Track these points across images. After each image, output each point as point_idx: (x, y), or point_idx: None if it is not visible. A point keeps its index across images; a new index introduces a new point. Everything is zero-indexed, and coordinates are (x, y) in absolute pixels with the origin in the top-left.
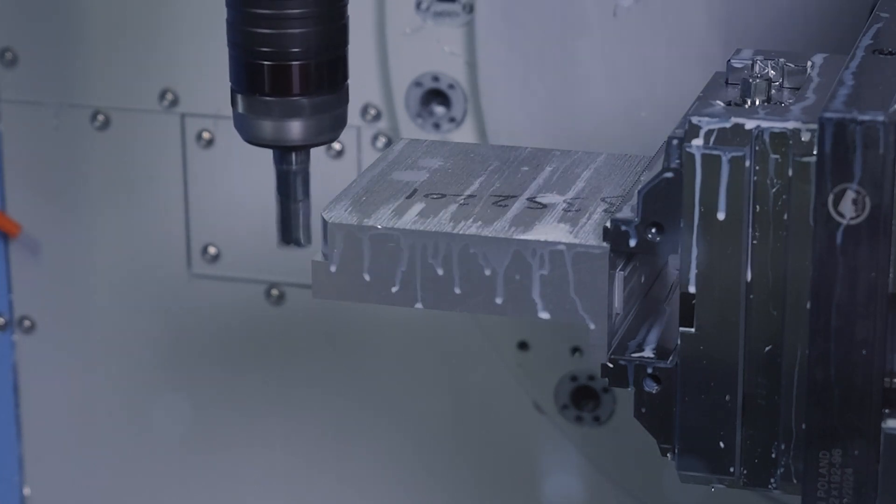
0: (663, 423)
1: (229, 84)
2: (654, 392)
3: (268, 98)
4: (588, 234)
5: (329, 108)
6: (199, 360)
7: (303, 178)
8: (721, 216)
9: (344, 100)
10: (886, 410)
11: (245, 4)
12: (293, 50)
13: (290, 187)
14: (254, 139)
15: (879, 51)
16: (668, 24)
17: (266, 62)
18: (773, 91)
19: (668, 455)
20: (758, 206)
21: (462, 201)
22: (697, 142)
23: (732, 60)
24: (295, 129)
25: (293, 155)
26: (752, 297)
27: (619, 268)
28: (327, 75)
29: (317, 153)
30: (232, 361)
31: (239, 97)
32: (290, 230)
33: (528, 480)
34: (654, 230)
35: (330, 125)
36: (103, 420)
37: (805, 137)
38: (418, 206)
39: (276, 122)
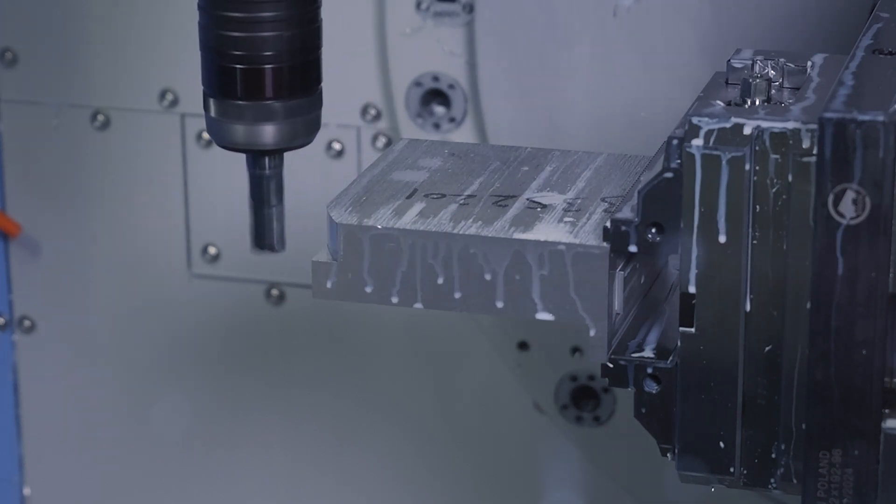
0: (663, 423)
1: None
2: (654, 392)
3: (240, 102)
4: (588, 234)
5: (302, 111)
6: (199, 360)
7: (276, 182)
8: (721, 216)
9: (317, 103)
10: (886, 410)
11: (217, 8)
12: (265, 53)
13: (264, 192)
14: (226, 143)
15: (879, 51)
16: (668, 24)
17: (238, 66)
18: (773, 91)
19: (668, 455)
20: (758, 206)
21: (462, 201)
22: (697, 142)
23: (732, 60)
24: (268, 133)
25: (266, 159)
26: (752, 297)
27: (619, 268)
28: (300, 79)
29: (317, 153)
30: (232, 361)
31: (211, 101)
32: (263, 235)
33: (528, 480)
34: (654, 230)
35: (304, 129)
36: (103, 420)
37: (805, 137)
38: (418, 206)
39: (249, 126)
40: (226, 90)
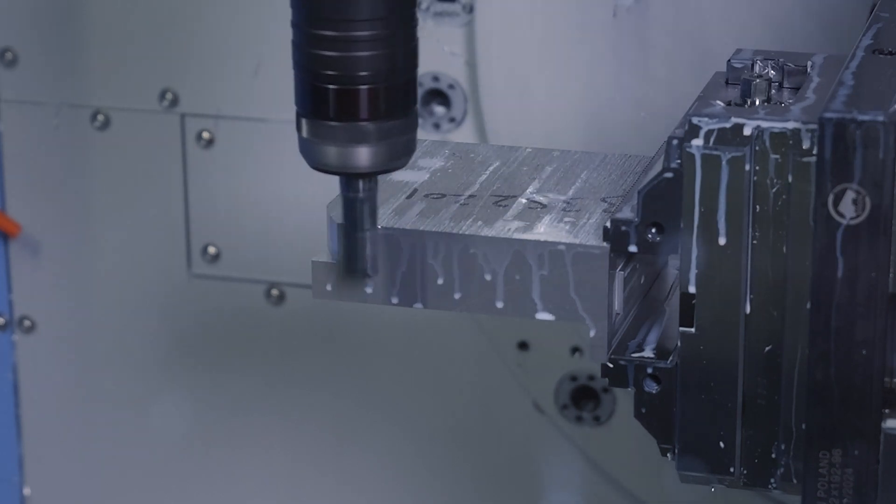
0: (663, 423)
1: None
2: (654, 392)
3: (333, 123)
4: (588, 234)
5: (398, 133)
6: (199, 360)
7: (370, 206)
8: (721, 216)
9: (413, 125)
10: (886, 410)
11: (311, 26)
12: (360, 74)
13: (357, 216)
14: (318, 165)
15: (879, 51)
16: (668, 24)
17: (332, 86)
18: (773, 91)
19: (668, 455)
20: (758, 206)
21: (462, 201)
22: (697, 142)
23: (732, 60)
24: (362, 155)
25: (360, 182)
26: (752, 297)
27: (619, 268)
28: (396, 100)
29: None
30: (232, 361)
31: (303, 121)
32: (356, 260)
33: (528, 480)
34: (654, 230)
35: (399, 151)
36: (103, 420)
37: (805, 137)
38: (418, 206)
39: (342, 149)
40: (319, 110)
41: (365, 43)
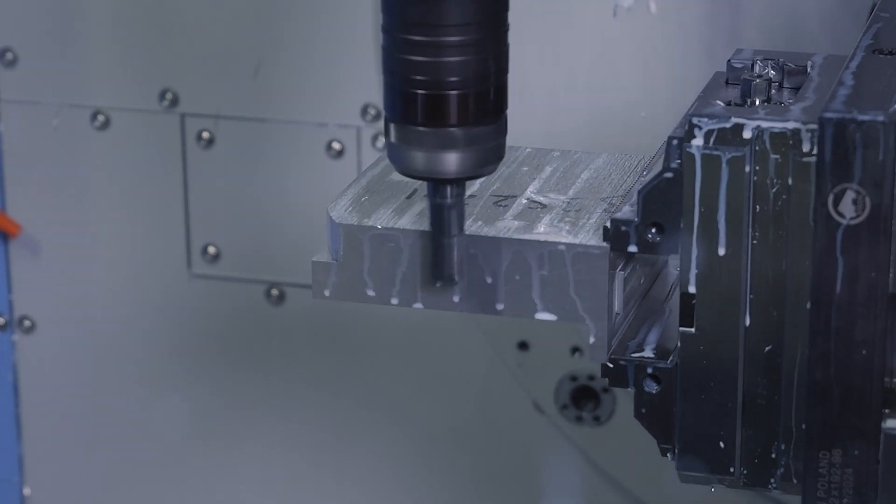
0: (663, 423)
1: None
2: (654, 392)
3: (421, 128)
4: (588, 234)
5: (485, 139)
6: (199, 360)
7: (458, 212)
8: (721, 216)
9: (502, 130)
10: (886, 410)
11: (401, 31)
12: (449, 79)
13: (445, 222)
14: (406, 170)
15: (879, 51)
16: (668, 24)
17: (421, 91)
18: (773, 91)
19: (668, 455)
20: (758, 206)
21: None
22: (697, 142)
23: (732, 60)
24: (450, 161)
25: (448, 188)
26: (752, 297)
27: (619, 268)
28: (485, 105)
29: (317, 153)
30: (232, 361)
31: (392, 126)
32: (443, 266)
33: (528, 480)
34: (654, 230)
35: (486, 157)
36: (103, 420)
37: (805, 138)
38: (418, 206)
39: (430, 154)
40: (407, 115)
41: (454, 48)
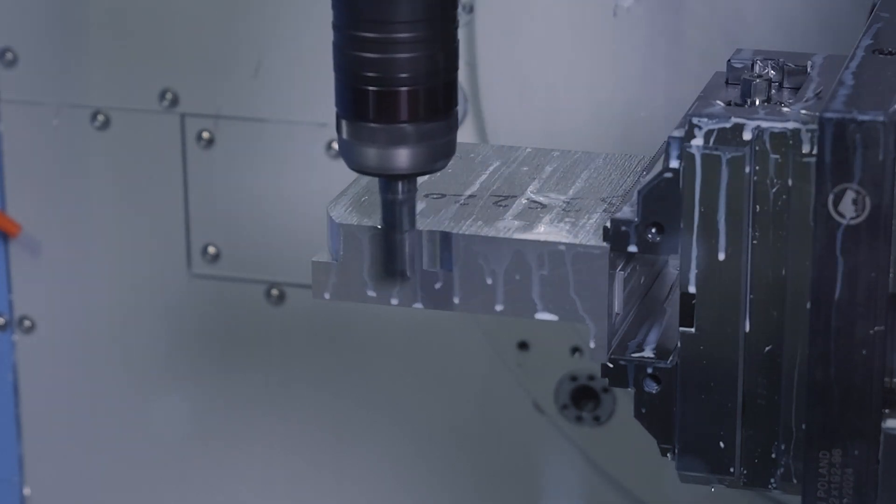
0: (663, 423)
1: (334, 107)
2: (654, 392)
3: (373, 125)
4: (588, 234)
5: (436, 135)
6: (199, 360)
7: (409, 207)
8: (721, 216)
9: (453, 126)
10: (886, 410)
11: (351, 28)
12: (400, 75)
13: (396, 217)
14: (358, 167)
15: (879, 51)
16: (668, 24)
17: (372, 87)
18: (773, 91)
19: (668, 455)
20: (758, 206)
21: (462, 201)
22: (697, 142)
23: (732, 60)
24: (401, 157)
25: (399, 184)
26: (752, 297)
27: (619, 268)
28: (436, 101)
29: (317, 153)
30: (232, 361)
31: (344, 123)
32: (395, 261)
33: (528, 480)
34: (654, 230)
35: (437, 153)
36: (103, 420)
37: (805, 138)
38: (418, 206)
39: (382, 150)
40: (358, 112)
41: (405, 45)
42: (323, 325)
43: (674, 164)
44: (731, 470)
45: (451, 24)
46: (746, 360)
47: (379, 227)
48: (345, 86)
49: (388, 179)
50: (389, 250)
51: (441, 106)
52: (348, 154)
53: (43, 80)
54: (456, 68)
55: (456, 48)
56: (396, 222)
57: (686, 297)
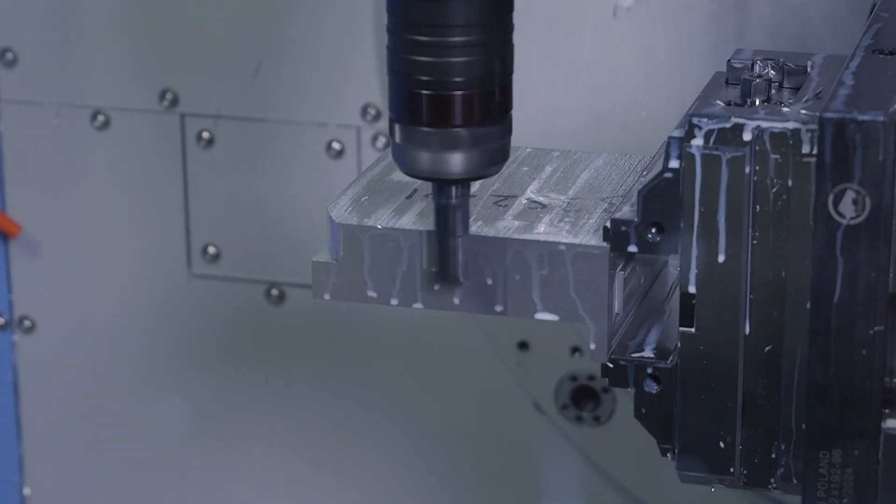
0: (663, 423)
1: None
2: (654, 392)
3: (427, 129)
4: (588, 234)
5: (491, 139)
6: (199, 360)
7: (463, 212)
8: (721, 216)
9: (507, 131)
10: (886, 410)
11: (406, 32)
12: (455, 79)
13: (450, 222)
14: (412, 171)
15: (879, 51)
16: (668, 24)
17: (426, 91)
18: (773, 91)
19: (668, 455)
20: (758, 206)
21: None
22: (697, 142)
23: (732, 60)
24: (455, 161)
25: (453, 189)
26: (752, 297)
27: (619, 268)
28: (489, 105)
29: (317, 153)
30: (232, 361)
31: (397, 127)
32: (448, 267)
33: (528, 480)
34: (654, 230)
35: (492, 157)
36: (103, 420)
37: (805, 138)
38: (418, 206)
39: (435, 154)
40: (412, 116)
41: (459, 49)
42: (323, 325)
43: (674, 164)
44: (731, 470)
45: (506, 28)
46: (746, 361)
47: (379, 227)
48: (399, 90)
49: (442, 184)
50: (443, 256)
51: (495, 110)
52: (401, 158)
53: (43, 80)
54: (510, 72)
55: (511, 52)
56: (450, 227)
57: (686, 298)
